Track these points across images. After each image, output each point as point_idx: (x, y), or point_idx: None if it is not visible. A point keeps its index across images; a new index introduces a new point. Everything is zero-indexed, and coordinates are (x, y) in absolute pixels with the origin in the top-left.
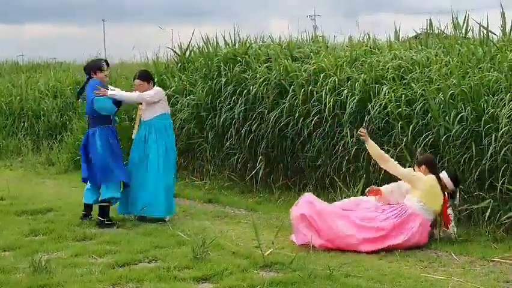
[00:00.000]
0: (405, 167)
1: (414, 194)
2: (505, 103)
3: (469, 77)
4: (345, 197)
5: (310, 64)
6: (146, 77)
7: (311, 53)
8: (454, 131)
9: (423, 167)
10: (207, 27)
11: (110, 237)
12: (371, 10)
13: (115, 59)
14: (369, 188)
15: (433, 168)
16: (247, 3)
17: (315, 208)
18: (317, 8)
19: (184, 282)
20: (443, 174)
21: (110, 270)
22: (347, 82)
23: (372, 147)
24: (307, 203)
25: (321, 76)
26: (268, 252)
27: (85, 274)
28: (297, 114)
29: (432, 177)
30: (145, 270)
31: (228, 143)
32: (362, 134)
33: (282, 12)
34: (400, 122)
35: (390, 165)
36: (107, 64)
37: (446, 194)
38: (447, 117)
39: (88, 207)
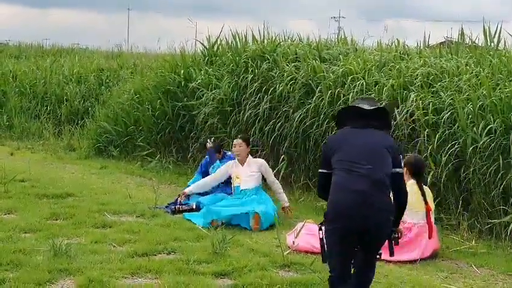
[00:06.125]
0: (428, 176)
1: None
2: None
3: (500, 89)
4: None
5: (338, 66)
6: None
7: (340, 55)
8: (481, 142)
9: (405, 168)
10: (228, 24)
11: (129, 226)
12: (392, 15)
13: (139, 48)
14: None
15: (414, 175)
16: (266, 3)
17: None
18: (335, 11)
19: (203, 276)
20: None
21: (130, 259)
22: (375, 86)
23: None
24: (311, 235)
25: (349, 79)
26: (288, 251)
27: (104, 261)
28: (322, 116)
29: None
30: (164, 261)
31: (250, 140)
32: None
33: (300, 14)
34: (426, 130)
35: None
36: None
37: (427, 203)
38: (475, 128)
39: None
